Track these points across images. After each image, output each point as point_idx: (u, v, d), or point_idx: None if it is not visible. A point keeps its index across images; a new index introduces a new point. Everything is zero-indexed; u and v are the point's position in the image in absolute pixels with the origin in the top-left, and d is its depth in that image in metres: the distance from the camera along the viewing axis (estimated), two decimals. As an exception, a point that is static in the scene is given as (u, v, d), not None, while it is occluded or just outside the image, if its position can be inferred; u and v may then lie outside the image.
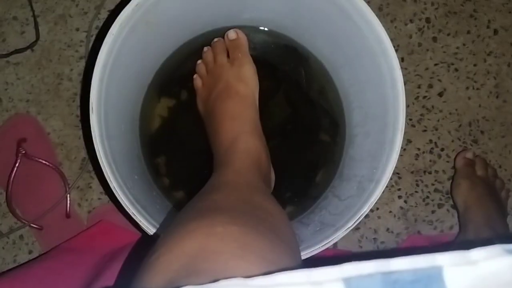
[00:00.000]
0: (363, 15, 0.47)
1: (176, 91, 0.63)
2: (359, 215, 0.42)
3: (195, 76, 0.60)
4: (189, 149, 0.63)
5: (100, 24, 0.69)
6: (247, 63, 0.55)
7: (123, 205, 0.42)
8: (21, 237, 0.66)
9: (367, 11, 0.47)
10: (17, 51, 0.68)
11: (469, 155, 0.70)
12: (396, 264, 0.20)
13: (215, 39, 0.59)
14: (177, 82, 0.63)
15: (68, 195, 0.66)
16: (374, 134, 0.49)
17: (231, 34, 0.57)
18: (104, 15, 0.70)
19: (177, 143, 0.63)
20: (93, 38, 0.69)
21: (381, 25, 0.46)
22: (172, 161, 0.63)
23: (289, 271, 0.20)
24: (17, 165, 0.64)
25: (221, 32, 0.59)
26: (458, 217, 0.68)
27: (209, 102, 0.56)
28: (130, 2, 0.44)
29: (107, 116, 0.46)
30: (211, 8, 0.57)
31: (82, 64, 0.69)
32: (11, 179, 0.64)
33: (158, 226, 0.46)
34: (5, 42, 0.69)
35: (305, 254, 0.41)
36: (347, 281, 0.19)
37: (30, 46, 0.68)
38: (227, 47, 0.58)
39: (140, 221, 0.42)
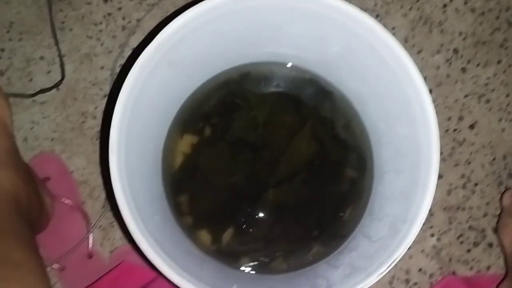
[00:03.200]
0: (390, 49, 0.46)
1: (199, 127, 0.62)
2: (393, 259, 0.39)
3: None
4: (213, 187, 0.62)
5: (124, 62, 0.70)
6: None
7: (142, 250, 0.41)
8: (43, 277, 0.65)
9: (395, 45, 0.45)
10: (43, 90, 0.69)
11: None
12: None
13: None
14: (200, 119, 0.62)
15: (91, 235, 0.65)
16: (406, 172, 0.47)
17: None
18: (128, 53, 0.70)
19: (201, 180, 0.62)
20: (116, 76, 0.70)
21: (411, 59, 0.44)
22: (195, 199, 0.61)
23: None
24: (40, 204, 0.64)
25: (243, 69, 0.59)
26: (505, 260, 0.65)
27: None
28: (151, 43, 0.44)
29: (128, 157, 0.45)
30: (234, 45, 0.56)
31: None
32: (34, 218, 0.63)
33: (179, 268, 0.44)
34: (32, 82, 0.70)
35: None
36: None
37: (56, 85, 0.69)
38: None
39: (159, 264, 0.41)
